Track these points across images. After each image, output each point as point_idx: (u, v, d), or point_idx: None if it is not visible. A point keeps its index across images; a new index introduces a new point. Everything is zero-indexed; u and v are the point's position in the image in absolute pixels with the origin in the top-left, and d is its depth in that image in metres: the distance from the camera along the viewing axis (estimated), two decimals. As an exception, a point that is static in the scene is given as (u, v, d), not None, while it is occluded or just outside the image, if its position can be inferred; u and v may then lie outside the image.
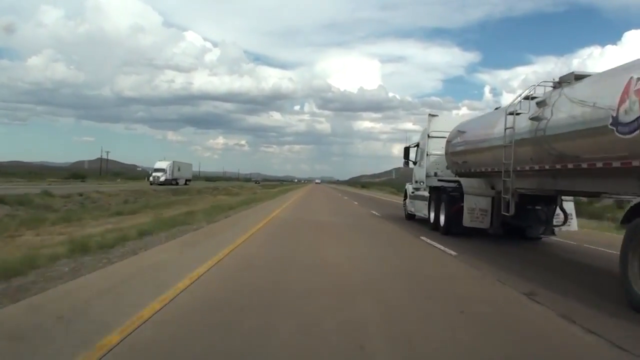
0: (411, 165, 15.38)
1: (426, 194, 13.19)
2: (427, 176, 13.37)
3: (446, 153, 12.25)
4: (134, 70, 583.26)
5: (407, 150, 15.48)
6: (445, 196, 11.06)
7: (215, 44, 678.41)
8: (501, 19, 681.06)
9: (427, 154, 13.44)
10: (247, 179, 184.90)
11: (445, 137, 12.37)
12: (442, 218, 11.25)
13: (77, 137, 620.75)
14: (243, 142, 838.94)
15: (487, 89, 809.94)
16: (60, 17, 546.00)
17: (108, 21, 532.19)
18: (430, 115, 13.85)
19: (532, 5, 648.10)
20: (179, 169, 60.82)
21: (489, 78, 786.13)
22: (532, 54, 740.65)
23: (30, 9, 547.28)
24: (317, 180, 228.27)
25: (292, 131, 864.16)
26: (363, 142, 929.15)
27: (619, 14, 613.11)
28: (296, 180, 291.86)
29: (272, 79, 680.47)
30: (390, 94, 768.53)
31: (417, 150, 14.93)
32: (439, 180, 12.40)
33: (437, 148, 13.03)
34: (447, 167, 12.40)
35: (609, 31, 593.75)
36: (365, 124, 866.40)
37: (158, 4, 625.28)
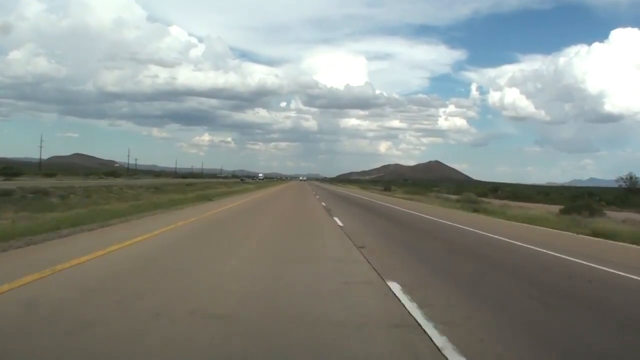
0: None
1: None
2: None
3: None
4: (117, 65, 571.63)
5: None
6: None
7: (200, 40, 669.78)
8: (488, 16, 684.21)
9: None
10: (232, 176, 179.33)
11: None
12: None
13: (60, 134, 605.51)
14: (229, 139, 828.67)
15: (474, 87, 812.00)
16: (43, 10, 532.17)
17: (91, 15, 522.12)
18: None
19: (519, 2, 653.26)
20: None
21: (476, 76, 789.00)
22: (518, 52, 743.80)
23: (12, 2, 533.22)
24: (301, 177, 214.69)
25: (278, 128, 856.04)
26: (350, 140, 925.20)
27: (606, 11, 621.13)
28: (261, 176, 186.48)
29: (257, 74, 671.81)
30: (377, 91, 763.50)
31: None
32: None
33: None
34: None
35: (596, 29, 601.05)
36: (352, 121, 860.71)
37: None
